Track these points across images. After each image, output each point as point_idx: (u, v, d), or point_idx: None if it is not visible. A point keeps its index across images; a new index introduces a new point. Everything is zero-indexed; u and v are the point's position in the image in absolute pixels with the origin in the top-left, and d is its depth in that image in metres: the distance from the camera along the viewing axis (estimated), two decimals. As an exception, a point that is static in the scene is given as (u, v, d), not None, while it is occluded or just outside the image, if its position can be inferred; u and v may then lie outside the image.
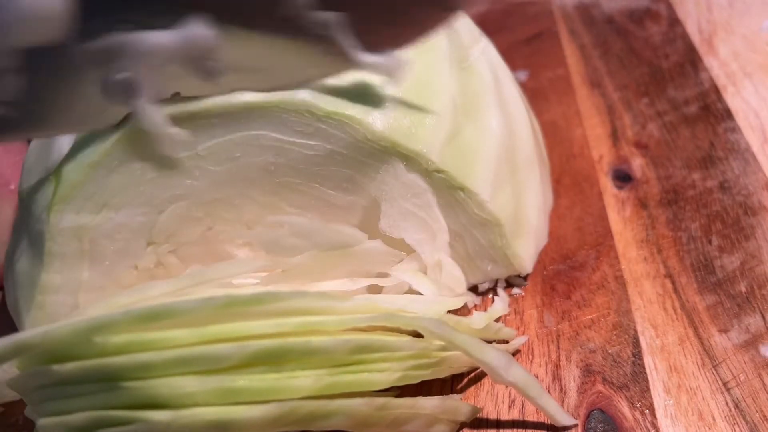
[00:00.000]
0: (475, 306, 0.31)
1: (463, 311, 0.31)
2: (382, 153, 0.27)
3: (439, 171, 0.28)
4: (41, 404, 0.20)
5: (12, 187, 0.35)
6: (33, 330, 0.19)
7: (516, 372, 0.24)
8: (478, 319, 0.26)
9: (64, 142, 0.28)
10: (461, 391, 0.27)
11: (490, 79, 0.31)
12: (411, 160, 0.27)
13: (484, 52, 0.32)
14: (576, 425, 0.25)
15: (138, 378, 0.19)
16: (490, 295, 0.32)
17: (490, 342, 0.27)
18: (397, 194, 0.28)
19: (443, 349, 0.24)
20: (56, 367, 0.19)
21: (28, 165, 0.30)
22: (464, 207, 0.29)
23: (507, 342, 0.28)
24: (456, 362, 0.25)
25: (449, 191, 0.28)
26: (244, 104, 0.26)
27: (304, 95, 0.26)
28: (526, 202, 0.32)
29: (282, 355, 0.20)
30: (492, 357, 0.23)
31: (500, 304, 0.29)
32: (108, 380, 0.19)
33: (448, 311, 0.27)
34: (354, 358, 0.21)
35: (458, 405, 0.25)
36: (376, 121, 0.27)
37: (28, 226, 0.27)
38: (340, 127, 0.27)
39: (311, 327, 0.21)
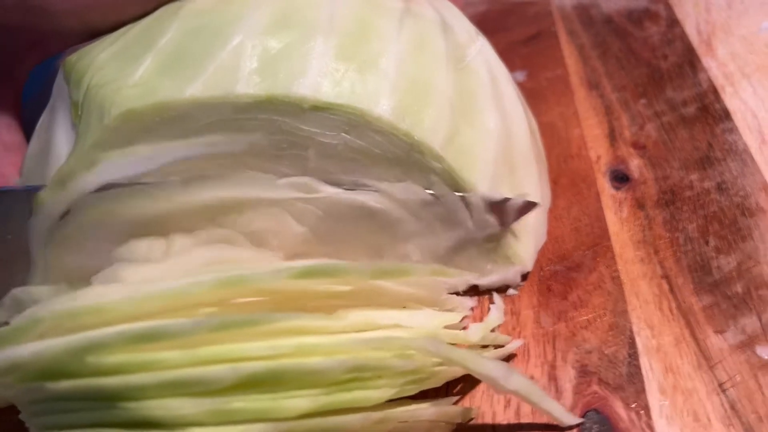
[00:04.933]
0: (472, 309, 0.30)
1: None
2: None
3: (443, 171, 0.27)
4: (36, 417, 0.20)
5: (12, 186, 0.34)
6: (26, 347, 0.18)
7: (516, 380, 0.22)
8: (474, 332, 0.25)
9: (62, 142, 0.27)
10: (456, 393, 0.26)
11: (487, 79, 0.30)
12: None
13: (481, 52, 0.31)
14: (578, 424, 0.24)
15: (132, 399, 0.18)
16: (486, 296, 0.30)
17: (485, 346, 0.26)
18: None
19: (439, 363, 0.23)
20: (50, 385, 0.19)
21: (28, 166, 0.29)
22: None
23: (502, 346, 0.27)
24: (452, 372, 0.24)
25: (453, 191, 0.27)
26: None
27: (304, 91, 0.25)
28: (524, 201, 0.31)
29: (277, 376, 0.19)
30: (491, 369, 0.22)
31: (496, 313, 0.28)
32: (102, 400, 0.19)
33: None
34: (350, 376, 0.20)
35: (454, 408, 0.24)
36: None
37: None
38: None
39: (306, 348, 0.20)
